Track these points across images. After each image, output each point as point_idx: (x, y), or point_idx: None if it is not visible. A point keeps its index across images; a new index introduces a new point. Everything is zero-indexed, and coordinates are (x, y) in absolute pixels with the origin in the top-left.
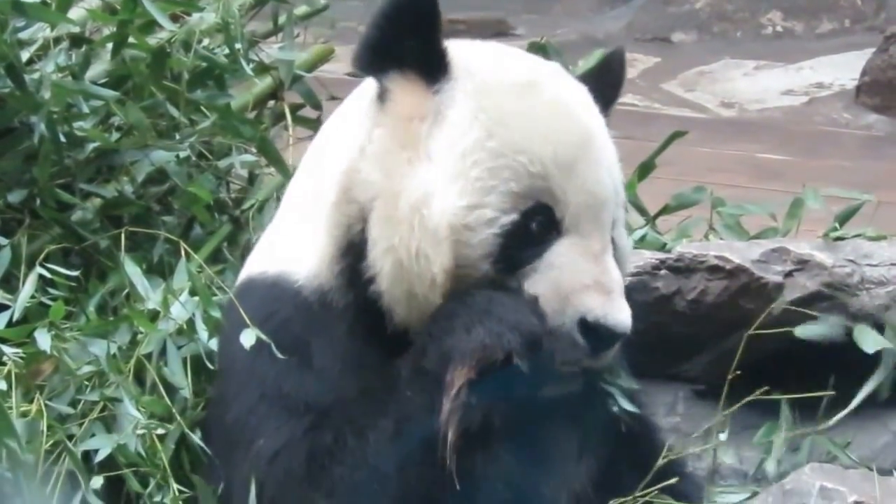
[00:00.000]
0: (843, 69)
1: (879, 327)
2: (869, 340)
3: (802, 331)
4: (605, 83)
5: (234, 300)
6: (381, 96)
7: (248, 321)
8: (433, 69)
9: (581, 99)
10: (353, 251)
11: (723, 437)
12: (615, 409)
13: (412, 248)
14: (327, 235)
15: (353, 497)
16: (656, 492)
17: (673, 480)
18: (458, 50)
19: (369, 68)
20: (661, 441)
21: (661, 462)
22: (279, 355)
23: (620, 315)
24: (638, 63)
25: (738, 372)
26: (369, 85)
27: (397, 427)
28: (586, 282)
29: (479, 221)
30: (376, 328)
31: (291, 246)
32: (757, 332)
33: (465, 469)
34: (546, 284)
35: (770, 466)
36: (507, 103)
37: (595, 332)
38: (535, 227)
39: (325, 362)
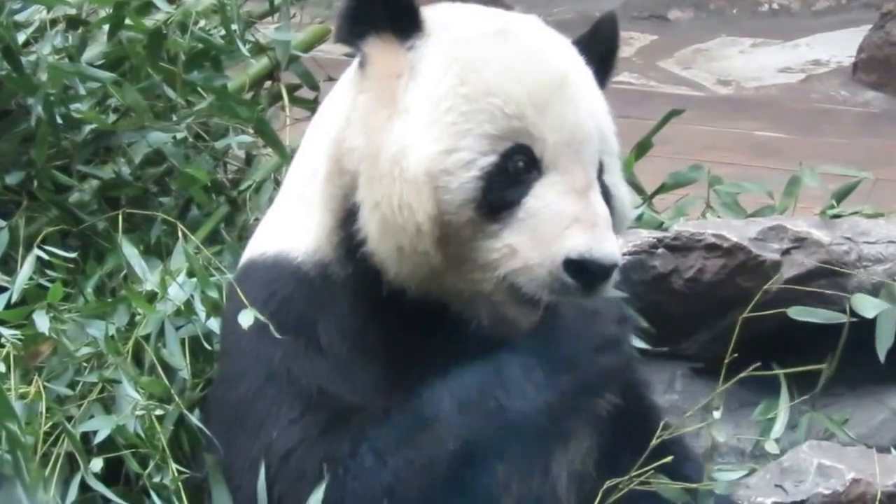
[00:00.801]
0: (839, 46)
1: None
2: (868, 306)
3: (796, 312)
4: (598, 51)
5: (236, 282)
6: (362, 63)
7: (246, 303)
8: (405, 26)
9: (557, 45)
10: (349, 220)
11: (717, 414)
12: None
13: (394, 201)
14: (323, 209)
15: None
16: (653, 472)
17: (668, 459)
18: (434, 11)
19: (349, 38)
20: (662, 422)
21: (655, 442)
22: (282, 335)
23: (606, 246)
24: (634, 41)
25: (735, 355)
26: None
27: (415, 451)
28: (567, 220)
29: (457, 165)
30: (378, 296)
31: (290, 225)
32: (753, 314)
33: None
34: (528, 229)
35: (770, 447)
36: (478, 50)
37: (583, 269)
38: (515, 167)
39: (331, 341)
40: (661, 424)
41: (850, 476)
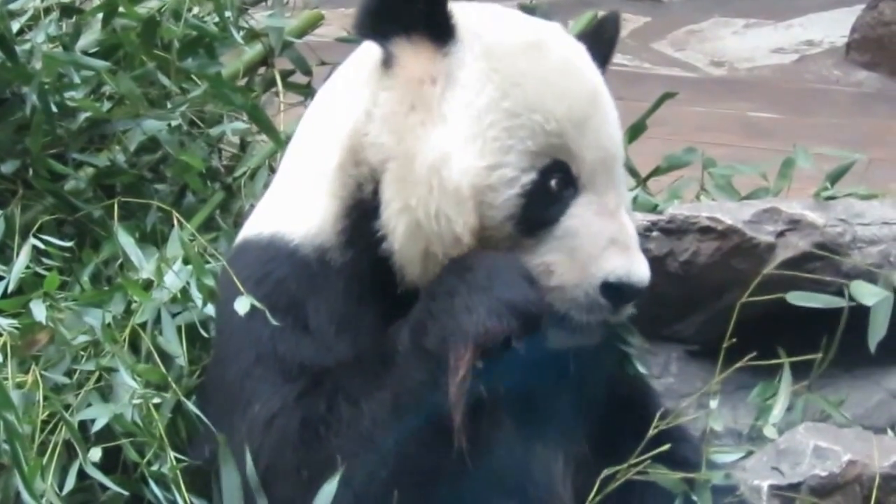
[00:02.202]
0: (832, 26)
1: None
2: (866, 294)
3: (795, 297)
4: (598, 45)
5: (228, 263)
6: (387, 61)
7: (240, 286)
8: (441, 32)
9: (585, 57)
10: (359, 211)
11: (714, 404)
12: (627, 370)
13: (431, 208)
14: (331, 196)
15: (347, 468)
16: (651, 460)
17: (665, 447)
18: (460, 13)
19: (373, 34)
20: (660, 407)
21: (653, 432)
22: (274, 316)
23: (642, 271)
24: (628, 23)
25: (734, 340)
26: (368, 49)
27: (395, 400)
28: (605, 243)
29: (501, 181)
30: (375, 286)
31: (288, 207)
32: (751, 298)
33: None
34: (566, 249)
35: (769, 432)
36: (517, 63)
37: (618, 291)
38: (554, 184)
39: (320, 322)
40: (660, 413)
41: (847, 458)
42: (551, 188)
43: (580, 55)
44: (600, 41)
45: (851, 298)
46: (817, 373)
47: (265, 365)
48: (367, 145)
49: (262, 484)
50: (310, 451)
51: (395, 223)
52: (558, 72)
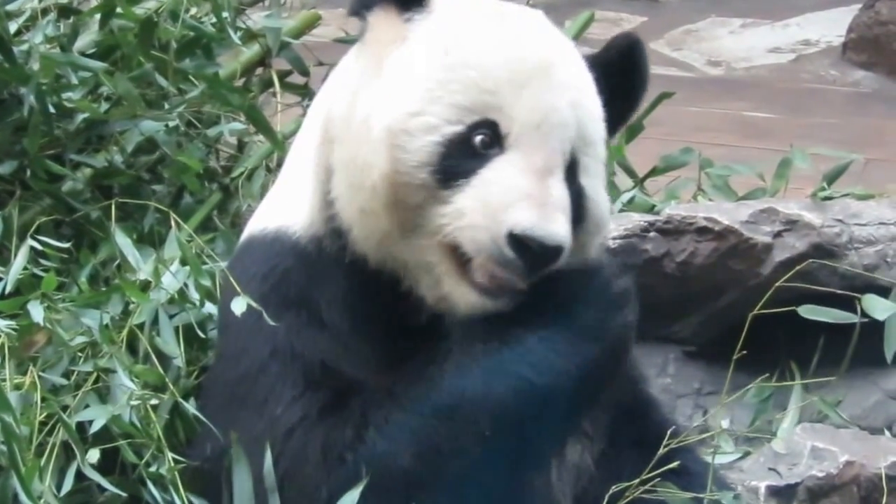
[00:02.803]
0: (829, 26)
1: (870, 287)
2: (878, 308)
3: (807, 311)
4: (619, 79)
5: (234, 259)
6: (361, 34)
7: (237, 285)
8: None
9: (555, 41)
10: (327, 189)
11: (725, 424)
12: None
13: (359, 161)
14: (315, 181)
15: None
16: (659, 478)
17: (674, 464)
18: None
19: (359, 9)
20: (662, 417)
21: (663, 451)
22: (285, 309)
23: (551, 226)
24: (624, 22)
25: (745, 352)
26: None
27: (417, 436)
28: (519, 195)
29: (419, 127)
30: (356, 267)
31: (288, 199)
32: (761, 311)
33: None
34: (477, 197)
35: (777, 446)
36: (469, 26)
37: (525, 247)
38: (478, 140)
39: (332, 314)
40: (669, 432)
41: (844, 458)
42: (474, 143)
43: (549, 36)
44: (621, 71)
45: (863, 313)
46: (843, 371)
47: (282, 361)
48: (330, 119)
49: (279, 487)
50: (333, 473)
51: (337, 185)
52: (509, 38)
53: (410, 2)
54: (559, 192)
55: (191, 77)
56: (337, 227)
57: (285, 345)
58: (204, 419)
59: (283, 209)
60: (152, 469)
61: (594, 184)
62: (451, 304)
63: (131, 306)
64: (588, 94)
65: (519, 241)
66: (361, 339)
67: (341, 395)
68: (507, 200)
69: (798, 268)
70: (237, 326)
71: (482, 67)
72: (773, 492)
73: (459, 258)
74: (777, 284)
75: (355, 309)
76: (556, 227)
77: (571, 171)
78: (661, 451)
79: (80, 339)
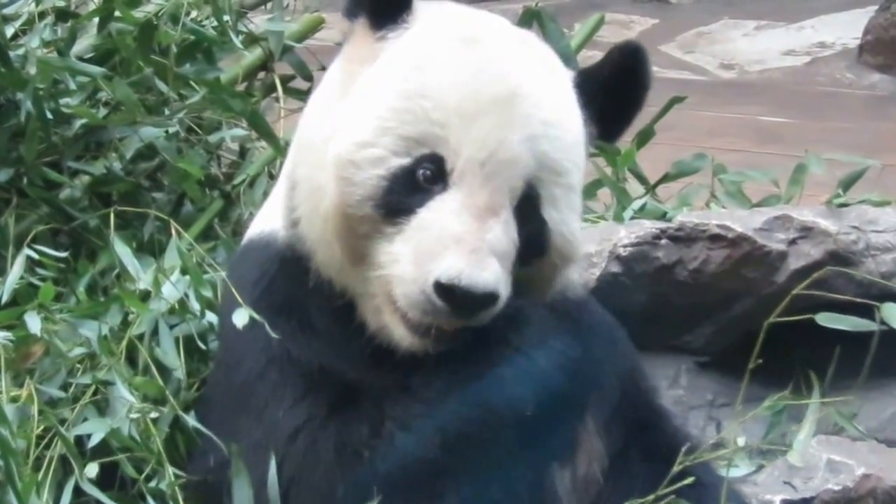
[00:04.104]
0: (845, 28)
1: (886, 296)
2: None
3: (824, 319)
4: (617, 87)
5: (232, 265)
6: (343, 41)
7: (236, 292)
8: (382, 15)
9: (531, 66)
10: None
11: (741, 441)
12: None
13: (314, 183)
14: (283, 192)
15: (395, 494)
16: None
17: (689, 480)
18: (426, 7)
19: (347, 13)
20: (673, 429)
21: (677, 468)
22: (276, 315)
23: (478, 274)
24: (635, 25)
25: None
26: None
27: (440, 431)
28: (449, 241)
29: (366, 160)
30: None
31: (278, 206)
32: (778, 319)
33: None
34: (410, 243)
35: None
36: (437, 52)
37: (451, 294)
38: (422, 175)
39: (321, 318)
40: (684, 449)
41: (860, 471)
42: (418, 178)
43: (522, 60)
44: (620, 78)
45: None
46: (861, 383)
47: (279, 368)
48: (301, 133)
49: (286, 492)
50: (349, 471)
51: (299, 203)
52: (474, 66)
53: (384, 19)
54: (496, 234)
55: (191, 82)
56: (301, 242)
57: (281, 351)
58: (205, 431)
59: (275, 214)
60: (152, 484)
61: (562, 215)
62: (390, 338)
63: (131, 317)
64: (559, 123)
65: (446, 290)
66: (348, 341)
67: (349, 394)
68: (437, 248)
69: (815, 276)
70: (233, 334)
71: (436, 98)
72: None
73: (394, 301)
74: (794, 293)
75: (338, 312)
76: (485, 275)
77: (530, 205)
78: (676, 468)
79: (78, 351)
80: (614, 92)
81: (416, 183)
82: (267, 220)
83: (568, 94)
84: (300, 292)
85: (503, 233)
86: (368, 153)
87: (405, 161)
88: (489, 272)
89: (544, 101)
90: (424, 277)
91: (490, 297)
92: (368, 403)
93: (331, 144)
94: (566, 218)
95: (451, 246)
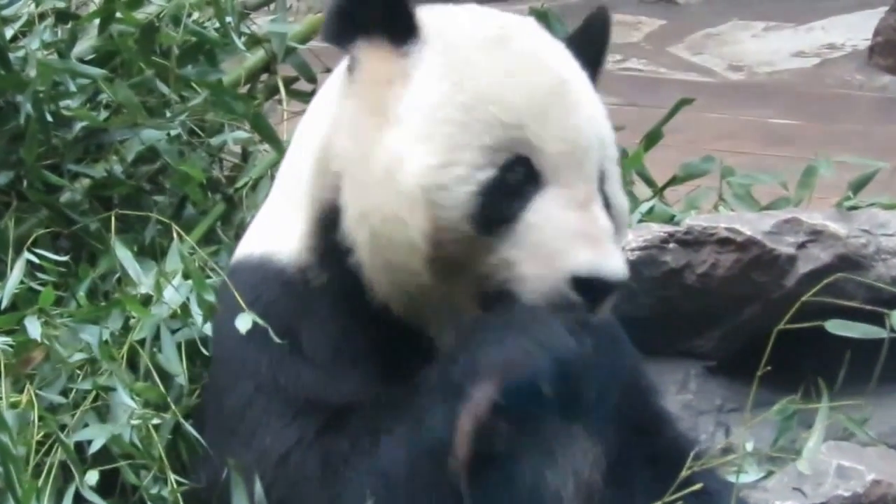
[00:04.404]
0: (855, 29)
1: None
2: None
3: (834, 326)
4: (587, 46)
5: (224, 285)
6: (351, 66)
7: (241, 304)
8: (399, 31)
9: (555, 50)
10: (325, 223)
11: (750, 447)
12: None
13: (386, 213)
14: (305, 210)
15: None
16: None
17: (696, 487)
18: (429, 14)
19: (337, 39)
20: (676, 433)
21: (685, 473)
22: (268, 341)
23: (612, 263)
24: (643, 26)
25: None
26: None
27: (414, 436)
28: (571, 236)
29: (453, 180)
30: (358, 304)
31: (276, 225)
32: (787, 326)
33: (477, 465)
34: (528, 244)
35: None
36: (475, 56)
37: (590, 286)
38: (514, 180)
39: (315, 346)
40: (692, 454)
41: (871, 477)
42: (511, 184)
43: (549, 48)
44: (589, 41)
45: (892, 328)
46: (874, 386)
47: (267, 395)
48: (332, 156)
49: None
50: (328, 488)
51: (355, 232)
52: (518, 63)
53: (404, 34)
54: (605, 221)
55: (193, 84)
56: (340, 264)
57: (269, 378)
58: (199, 447)
59: (270, 234)
60: (154, 491)
61: (615, 189)
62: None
63: (132, 322)
64: (595, 99)
65: (583, 283)
66: (343, 371)
67: (337, 417)
68: (561, 244)
69: (825, 282)
70: (224, 358)
71: (501, 101)
72: None
73: (489, 303)
74: (803, 299)
75: (339, 341)
76: (617, 262)
77: (601, 184)
78: (684, 473)
79: (78, 356)
80: (591, 59)
81: (509, 189)
82: (258, 241)
83: (579, 68)
84: (295, 318)
85: (606, 218)
86: (452, 173)
87: (492, 171)
88: (618, 259)
89: (582, 83)
90: (556, 273)
91: (623, 283)
92: (352, 421)
93: (401, 173)
94: (618, 191)
95: (576, 241)
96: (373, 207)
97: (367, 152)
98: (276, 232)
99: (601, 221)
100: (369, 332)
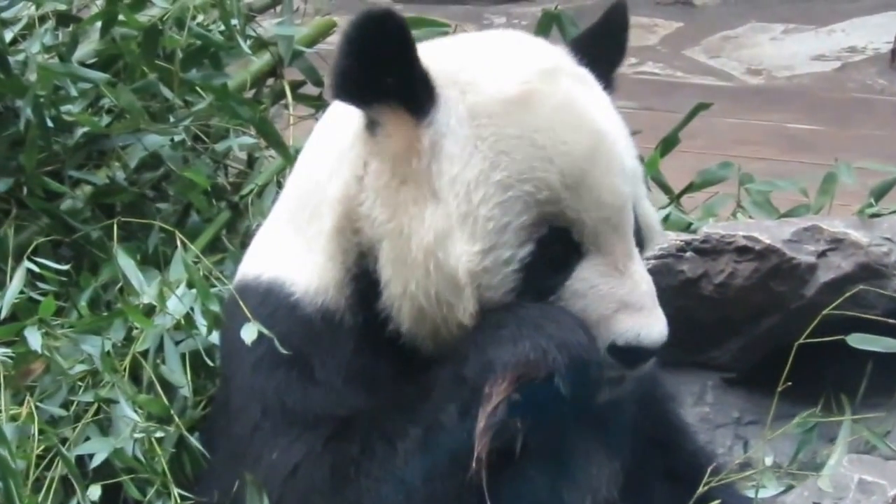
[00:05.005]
0: (876, 32)
1: None
2: None
3: (856, 340)
4: (606, 44)
5: (229, 307)
6: (370, 127)
7: (250, 316)
8: (419, 101)
9: (582, 93)
10: (365, 282)
11: (768, 461)
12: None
13: (431, 293)
14: (331, 259)
15: None
16: None
17: (716, 503)
18: (436, 63)
19: (351, 99)
20: (694, 447)
21: (702, 489)
22: (276, 368)
23: (653, 331)
24: (659, 29)
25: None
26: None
27: (428, 437)
28: (614, 305)
29: (496, 262)
30: (384, 342)
31: (286, 253)
32: (808, 340)
33: (494, 481)
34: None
35: (824, 484)
36: (503, 125)
37: (628, 352)
38: (554, 253)
39: (328, 374)
40: (710, 469)
41: (893, 492)
42: (551, 258)
43: (574, 93)
44: (608, 36)
45: None
46: (860, 401)
47: (273, 418)
48: (362, 215)
49: None
50: (339, 494)
51: (398, 305)
52: (548, 127)
53: (425, 104)
54: (646, 282)
55: (198, 88)
56: (374, 311)
57: (275, 402)
58: (203, 460)
59: (279, 260)
60: None
61: (644, 205)
62: None
63: (134, 332)
64: (624, 133)
65: (620, 350)
66: (356, 395)
67: (345, 425)
68: (604, 314)
69: (847, 292)
70: (234, 384)
71: (535, 178)
72: None
73: None
74: (825, 312)
75: (359, 371)
76: (659, 328)
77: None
78: (702, 489)
79: (79, 368)
80: (608, 55)
81: (550, 262)
82: (267, 263)
83: (604, 95)
84: (308, 350)
85: (646, 277)
86: (496, 255)
87: (530, 247)
88: (660, 324)
89: (611, 121)
90: (600, 342)
91: (662, 345)
92: (360, 428)
93: (444, 254)
94: (646, 206)
95: (620, 309)
96: (417, 286)
97: (406, 228)
98: (287, 259)
99: (642, 286)
100: (391, 363)
